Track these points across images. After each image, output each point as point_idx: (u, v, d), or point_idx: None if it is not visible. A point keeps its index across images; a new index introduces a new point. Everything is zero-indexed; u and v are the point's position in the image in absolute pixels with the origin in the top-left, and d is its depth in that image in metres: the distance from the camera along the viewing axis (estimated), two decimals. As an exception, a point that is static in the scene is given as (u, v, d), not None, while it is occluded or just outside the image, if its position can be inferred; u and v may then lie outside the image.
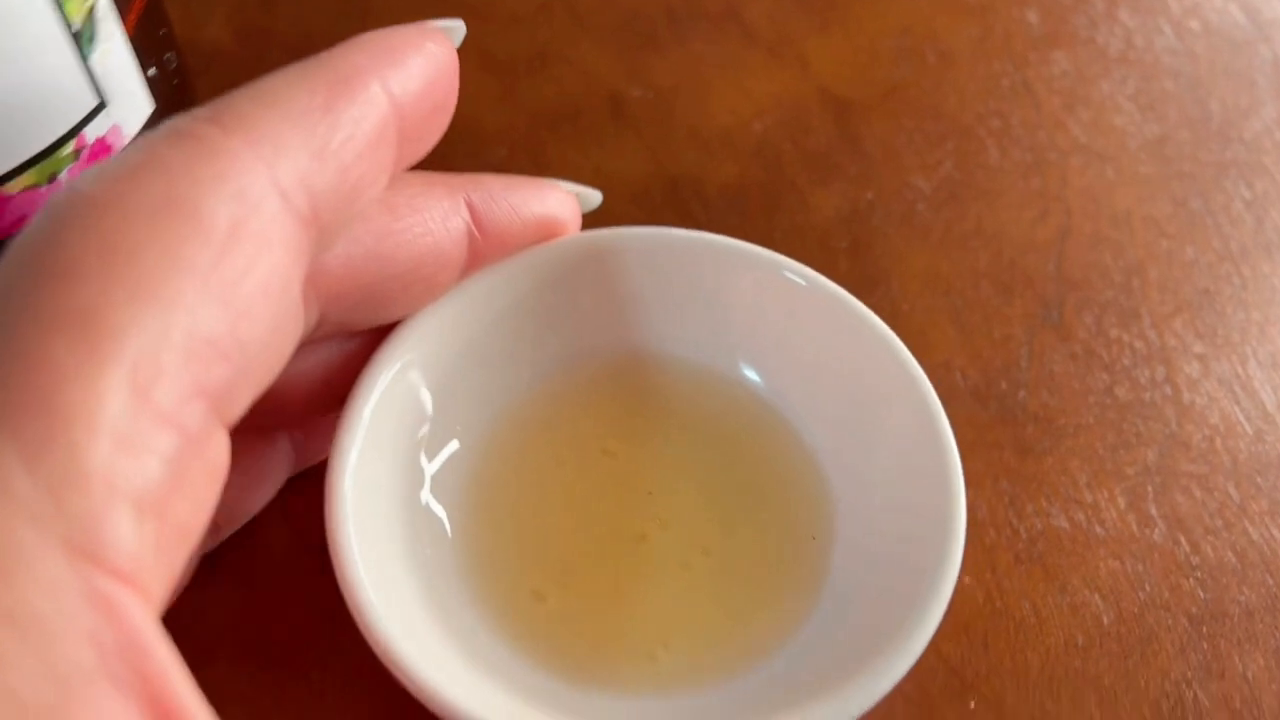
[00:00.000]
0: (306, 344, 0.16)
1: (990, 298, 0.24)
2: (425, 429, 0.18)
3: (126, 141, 0.19)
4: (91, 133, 0.18)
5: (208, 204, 0.12)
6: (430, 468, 0.18)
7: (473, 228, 0.17)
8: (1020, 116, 0.27)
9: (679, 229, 0.20)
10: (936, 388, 0.22)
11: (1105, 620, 0.19)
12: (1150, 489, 0.21)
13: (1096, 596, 0.19)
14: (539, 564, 0.18)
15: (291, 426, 0.19)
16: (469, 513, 0.18)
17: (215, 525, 0.18)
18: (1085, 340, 0.23)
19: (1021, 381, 0.22)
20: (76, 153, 0.18)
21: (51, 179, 0.18)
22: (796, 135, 0.27)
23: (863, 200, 0.25)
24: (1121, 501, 0.21)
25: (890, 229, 0.25)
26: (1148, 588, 0.20)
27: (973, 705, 0.18)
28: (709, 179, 0.26)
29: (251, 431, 0.18)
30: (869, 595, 0.17)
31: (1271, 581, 0.20)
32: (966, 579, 0.20)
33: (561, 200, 0.19)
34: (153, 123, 0.19)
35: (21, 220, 0.18)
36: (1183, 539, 0.20)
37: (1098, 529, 0.20)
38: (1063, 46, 0.29)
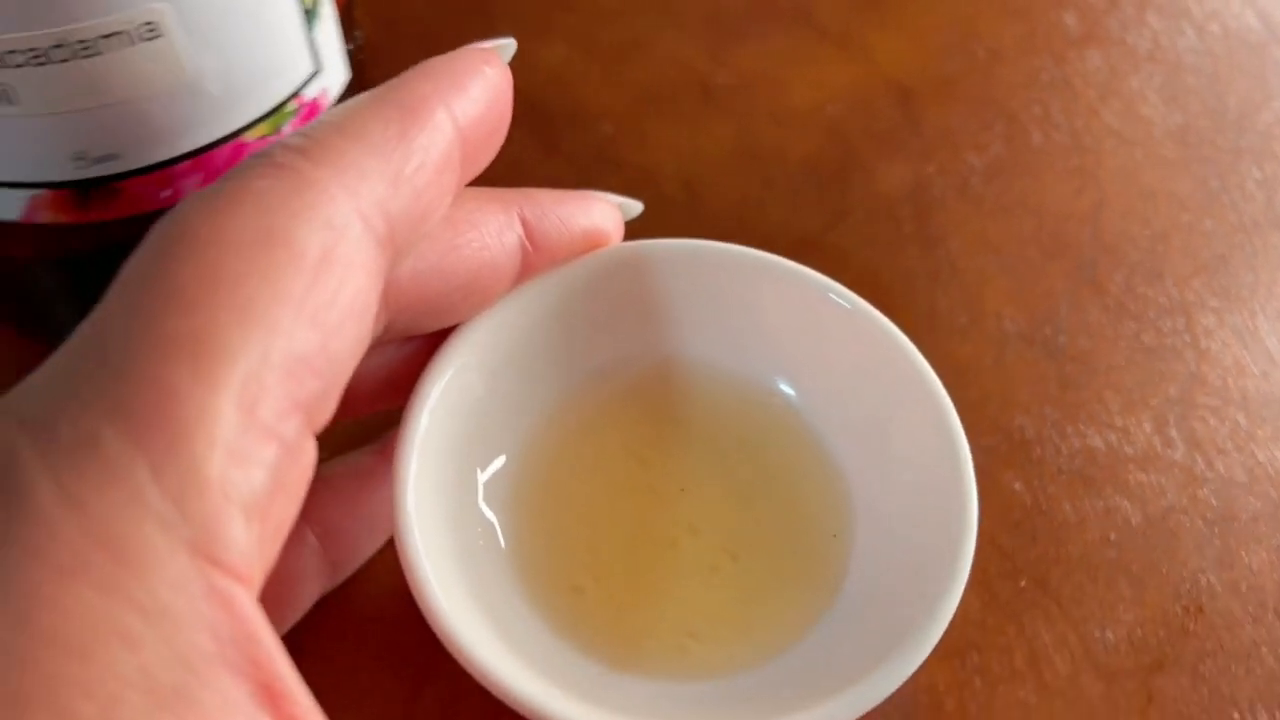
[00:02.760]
0: (372, 347, 0.17)
1: (1035, 258, 0.27)
2: (476, 432, 0.19)
3: (331, 103, 0.22)
4: (308, 94, 0.22)
5: (300, 234, 0.13)
6: (483, 475, 0.19)
7: (525, 240, 0.18)
8: (1060, 106, 0.31)
9: (718, 242, 0.21)
10: (990, 333, 0.26)
11: (1134, 521, 0.23)
12: (1172, 417, 0.24)
13: (1126, 502, 0.23)
14: (579, 562, 0.19)
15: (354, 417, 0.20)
16: (514, 514, 0.19)
17: (334, 564, 0.20)
18: (1116, 295, 0.27)
19: (1062, 328, 0.26)
20: (296, 110, 0.21)
21: (277, 130, 0.21)
22: (865, 118, 0.31)
23: (924, 174, 0.29)
24: (1148, 426, 0.24)
25: (948, 199, 0.29)
26: (1169, 496, 0.23)
27: (1023, 584, 0.22)
28: (789, 154, 0.30)
29: (368, 475, 0.20)
30: (885, 593, 0.18)
31: (1274, 493, 0.23)
32: (1017, 485, 0.23)
33: (606, 212, 0.20)
34: (349, 90, 0.23)
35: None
36: (1199, 457, 0.24)
37: (1127, 448, 0.24)
38: (1097, 45, 0.33)
